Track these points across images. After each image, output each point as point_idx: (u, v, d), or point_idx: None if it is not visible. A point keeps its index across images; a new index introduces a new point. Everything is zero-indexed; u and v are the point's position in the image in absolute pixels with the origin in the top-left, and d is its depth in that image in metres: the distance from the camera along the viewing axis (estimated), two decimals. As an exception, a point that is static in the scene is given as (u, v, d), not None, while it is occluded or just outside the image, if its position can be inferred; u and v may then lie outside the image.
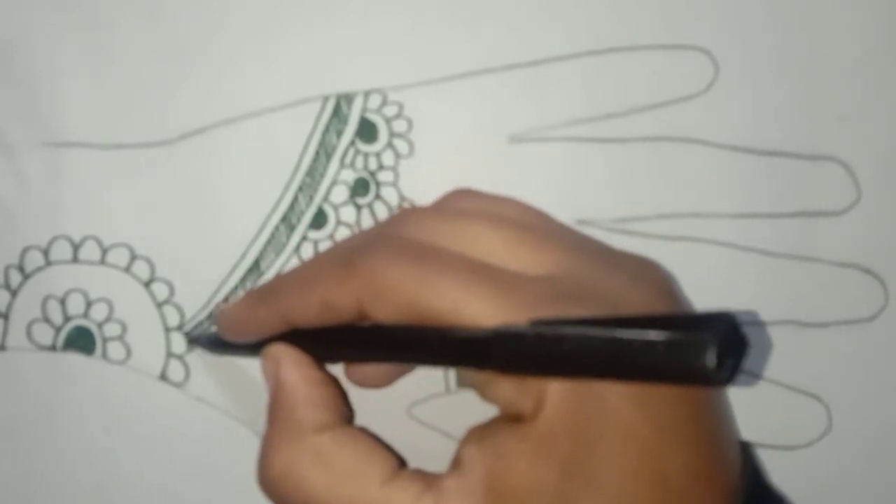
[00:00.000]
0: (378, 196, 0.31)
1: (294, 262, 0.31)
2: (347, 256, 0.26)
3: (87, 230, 0.31)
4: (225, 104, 0.31)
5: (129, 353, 0.31)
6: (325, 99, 0.31)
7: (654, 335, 0.21)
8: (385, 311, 0.25)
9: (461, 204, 0.29)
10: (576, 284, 0.25)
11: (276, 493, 0.27)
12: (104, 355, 0.31)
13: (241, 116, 0.31)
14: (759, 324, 0.31)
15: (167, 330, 0.31)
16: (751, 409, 0.31)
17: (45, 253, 0.31)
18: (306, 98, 0.31)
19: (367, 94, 0.31)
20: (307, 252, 0.31)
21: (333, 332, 0.27)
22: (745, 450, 0.28)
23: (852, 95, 0.31)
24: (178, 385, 0.31)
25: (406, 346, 0.26)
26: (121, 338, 0.31)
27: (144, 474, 0.31)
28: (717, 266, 0.31)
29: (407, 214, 0.29)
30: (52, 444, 0.31)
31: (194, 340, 0.31)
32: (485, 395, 0.26)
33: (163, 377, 0.31)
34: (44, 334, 0.31)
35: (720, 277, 0.31)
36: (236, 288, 0.31)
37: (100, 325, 0.31)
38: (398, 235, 0.27)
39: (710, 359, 0.20)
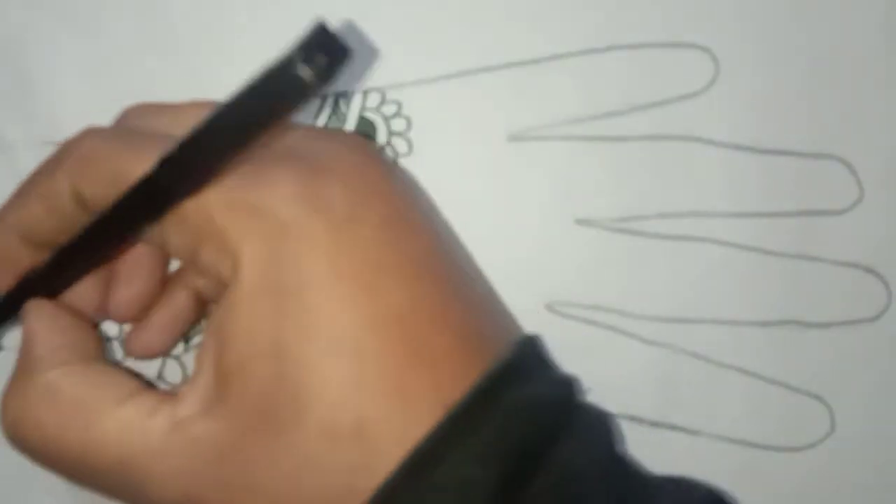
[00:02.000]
0: (376, 195, 0.31)
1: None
2: (57, 149, 0.27)
3: (84, 229, 0.31)
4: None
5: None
6: (323, 97, 0.31)
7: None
8: (97, 185, 0.25)
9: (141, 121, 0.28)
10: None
11: (15, 440, 0.26)
12: (101, 355, 0.31)
13: (239, 115, 0.31)
14: (760, 324, 0.31)
15: (164, 329, 0.31)
16: (753, 410, 0.31)
17: (43, 252, 0.31)
18: (304, 96, 0.31)
19: (365, 93, 0.31)
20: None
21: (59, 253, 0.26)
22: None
23: (854, 93, 0.31)
24: (174, 385, 0.31)
25: (113, 220, 0.25)
26: (118, 337, 0.31)
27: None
28: (718, 266, 0.31)
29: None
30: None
31: None
32: (198, 267, 0.25)
33: (160, 377, 0.31)
34: (40, 334, 0.31)
35: (721, 277, 0.31)
36: (234, 287, 0.31)
37: (96, 325, 0.31)
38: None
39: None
